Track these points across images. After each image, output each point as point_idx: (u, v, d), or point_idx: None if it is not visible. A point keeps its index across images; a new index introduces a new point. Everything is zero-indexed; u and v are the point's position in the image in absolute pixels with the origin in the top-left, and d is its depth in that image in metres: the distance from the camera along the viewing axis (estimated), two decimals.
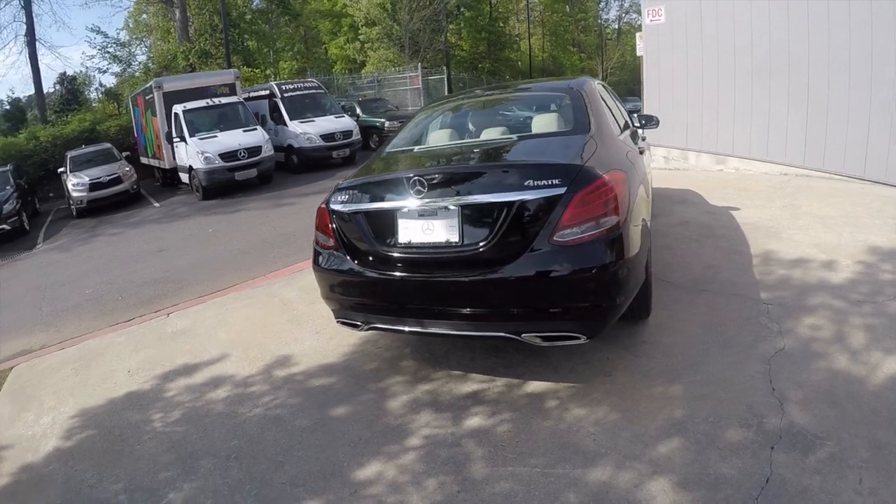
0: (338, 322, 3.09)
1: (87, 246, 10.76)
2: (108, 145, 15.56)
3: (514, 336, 2.53)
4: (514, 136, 3.17)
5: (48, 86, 26.56)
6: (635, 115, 5.02)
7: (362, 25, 22.25)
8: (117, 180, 13.83)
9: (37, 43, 22.73)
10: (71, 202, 13.62)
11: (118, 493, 2.62)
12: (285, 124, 14.31)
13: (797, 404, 2.34)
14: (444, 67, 21.52)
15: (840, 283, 3.44)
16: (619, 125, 3.53)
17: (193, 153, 12.41)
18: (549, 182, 2.43)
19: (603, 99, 3.54)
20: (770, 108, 6.33)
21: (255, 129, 13.12)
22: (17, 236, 12.41)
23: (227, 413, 3.13)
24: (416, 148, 3.41)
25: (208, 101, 13.28)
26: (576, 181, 2.43)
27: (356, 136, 14.29)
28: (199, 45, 21.24)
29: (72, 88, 27.66)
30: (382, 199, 2.74)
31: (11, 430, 3.52)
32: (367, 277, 2.73)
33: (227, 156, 12.08)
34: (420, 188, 2.60)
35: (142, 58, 22.66)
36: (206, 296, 5.55)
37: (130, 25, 25.27)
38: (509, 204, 2.44)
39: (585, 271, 2.37)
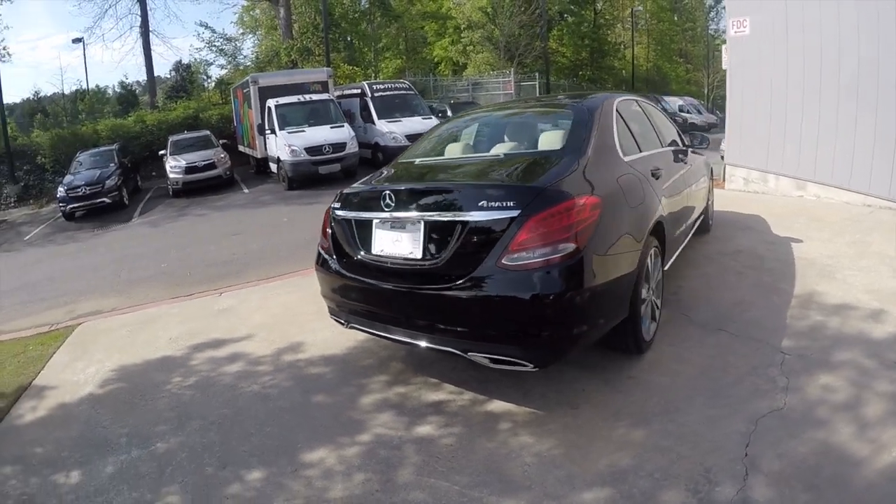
0: (331, 318, 3.43)
1: (173, 224, 12.11)
2: (207, 132, 17.30)
3: (461, 353, 2.65)
4: (502, 154, 3.28)
5: (165, 72, 29.77)
6: (694, 133, 5.02)
7: (465, 28, 23.05)
8: (211, 165, 15.34)
9: (150, 34, 25.93)
10: (168, 182, 15.29)
11: (121, 436, 3.10)
12: (373, 123, 15.20)
13: (766, 478, 2.12)
14: (538, 73, 21.66)
15: (881, 338, 3.14)
16: (638, 145, 3.54)
17: (282, 145, 13.53)
18: (504, 204, 2.50)
19: (623, 119, 3.51)
20: (856, 131, 5.84)
21: (342, 125, 14.07)
22: (117, 209, 14.18)
23: (229, 385, 3.55)
24: (419, 160, 3.63)
25: (300, 97, 14.45)
26: (532, 204, 2.47)
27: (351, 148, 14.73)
28: (302, 43, 23.06)
29: (186, 76, 30.91)
30: (365, 209, 3.01)
31: (61, 375, 4.20)
32: (348, 280, 3.03)
33: (312, 150, 13.06)
34: (389, 202, 2.83)
35: (247, 52, 25.02)
36: (260, 280, 6.17)
37: (245, 19, 27.97)
38: (463, 223, 2.57)
39: (533, 298, 2.39)
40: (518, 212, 2.46)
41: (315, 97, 14.70)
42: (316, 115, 14.39)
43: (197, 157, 15.36)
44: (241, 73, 24.63)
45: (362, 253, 3.01)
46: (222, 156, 15.93)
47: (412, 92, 16.67)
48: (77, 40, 27.17)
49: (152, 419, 3.26)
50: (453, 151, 3.66)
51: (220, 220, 11.53)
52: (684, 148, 4.67)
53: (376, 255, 2.91)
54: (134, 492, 2.59)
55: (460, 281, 2.52)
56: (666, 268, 3.60)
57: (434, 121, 15.31)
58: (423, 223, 2.71)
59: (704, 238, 5.33)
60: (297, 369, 3.64)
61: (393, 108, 15.58)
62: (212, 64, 26.83)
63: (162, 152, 16.20)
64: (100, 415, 3.45)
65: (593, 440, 2.48)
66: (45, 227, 14.01)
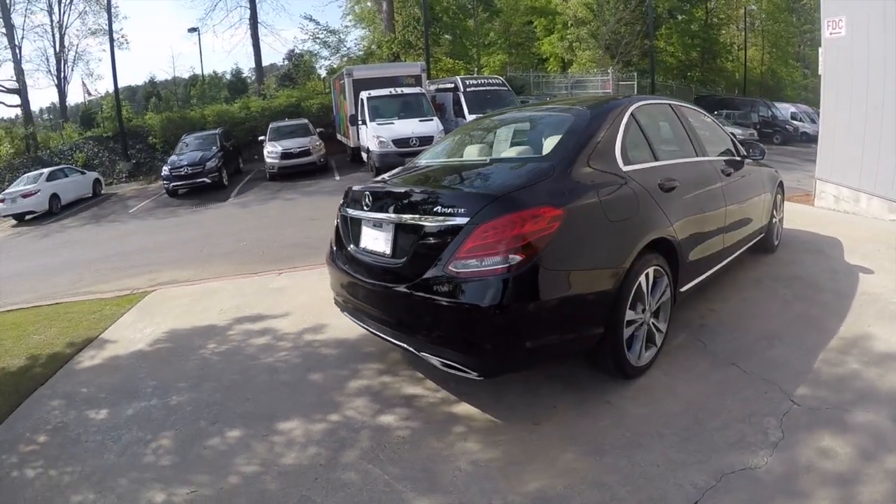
0: (335, 304, 3.78)
1: (263, 206, 13.27)
2: (305, 121, 18.66)
3: (414, 352, 2.82)
4: (487, 159, 3.37)
5: (279, 60, 32.25)
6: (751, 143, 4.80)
7: (570, 24, 22.90)
8: (306, 152, 16.56)
9: (258, 25, 28.34)
10: (265, 167, 16.68)
11: (149, 387, 3.66)
12: (464, 117, 15.65)
13: None
14: (636, 73, 20.98)
15: None
16: (654, 154, 3.44)
17: (371, 136, 14.37)
18: (455, 210, 2.61)
19: (639, 125, 3.43)
20: None
21: (431, 119, 14.67)
22: (216, 189, 15.73)
23: (250, 355, 4.03)
24: (424, 161, 3.86)
25: (391, 90, 15.22)
26: (481, 213, 2.53)
27: None
28: (403, 36, 24.07)
29: (299, 65, 33.23)
30: (357, 207, 3.27)
31: (123, 332, 4.93)
32: (343, 273, 3.33)
33: (399, 142, 13.77)
34: (367, 202, 3.10)
35: (350, 44, 26.53)
36: (319, 265, 6.71)
37: (357, 11, 29.63)
38: (419, 227, 2.75)
39: (477, 307, 2.44)
40: (467, 219, 2.54)
41: (406, 90, 15.41)
42: (406, 107, 15.08)
43: (293, 143, 16.63)
44: (346, 64, 26.14)
45: (352, 247, 3.33)
46: (317, 143, 17.13)
47: (505, 88, 16.94)
48: (192, 30, 30.22)
49: (178, 376, 3.80)
50: (455, 154, 3.84)
51: (305, 205, 12.47)
52: (738, 159, 4.49)
53: (362, 250, 3.20)
54: (139, 431, 3.09)
55: (414, 282, 2.68)
56: (683, 289, 3.46)
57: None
58: (392, 224, 2.93)
59: (764, 259, 5.09)
60: (311, 348, 4.03)
61: (484, 103, 15.92)
62: (315, 55, 28.57)
63: (262, 138, 17.71)
64: (140, 368, 4.06)
65: (536, 460, 2.48)
66: (150, 202, 15.89)
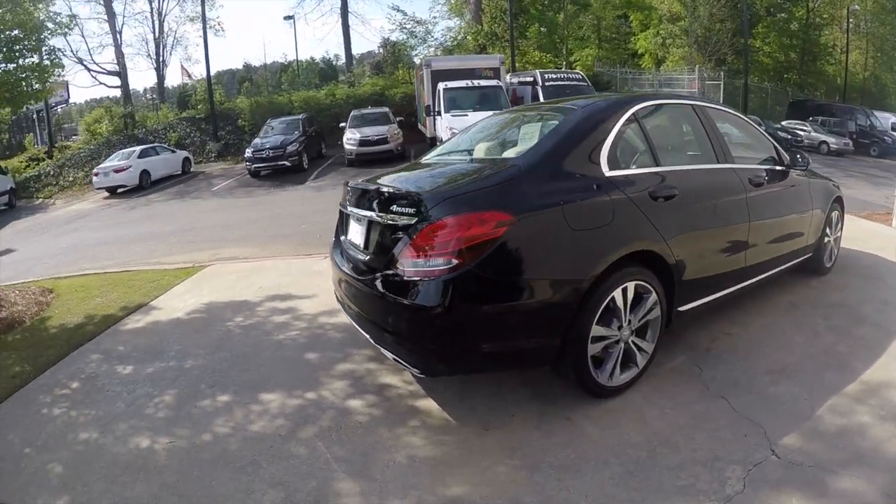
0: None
1: (334, 190, 14.00)
2: (386, 109, 19.37)
3: (371, 342, 3.03)
4: (468, 159, 3.47)
5: (372, 48, 33.46)
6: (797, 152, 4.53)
7: (665, 20, 22.15)
8: (384, 140, 17.24)
9: (349, 14, 29.71)
10: (344, 153, 17.52)
11: (173, 350, 4.18)
12: None
13: None
14: (724, 73, 19.88)
15: None
16: (655, 159, 3.32)
17: (444, 127, 14.73)
18: (408, 210, 2.73)
19: (641, 127, 3.34)
20: None
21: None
22: (296, 172, 16.74)
23: (266, 331, 4.45)
24: (424, 159, 4.00)
25: (468, 82, 15.46)
26: (430, 213, 2.61)
27: None
28: (490, 28, 24.25)
29: (393, 53, 34.28)
30: (346, 202, 3.47)
31: (170, 301, 5.56)
32: (334, 263, 3.59)
33: None
34: (349, 197, 3.32)
35: (437, 34, 27.07)
36: None
37: (452, 1, 30.10)
38: (382, 223, 2.91)
39: (416, 306, 2.56)
40: (416, 219, 2.66)
41: (483, 83, 15.59)
42: (483, 100, 15.27)
43: (372, 131, 17.36)
44: (435, 54, 26.74)
45: (343, 238, 3.61)
46: (396, 132, 17.77)
47: (584, 83, 16.75)
48: (288, 17, 32.10)
49: (200, 344, 4.28)
50: (457, 151, 3.96)
51: None
52: (779, 169, 4.26)
53: (348, 242, 3.46)
54: (150, 387, 3.58)
55: (372, 276, 2.89)
56: (683, 309, 3.34)
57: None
58: (366, 220, 3.13)
59: (810, 281, 4.81)
60: (321, 330, 4.39)
61: (561, 97, 15.83)
62: (405, 44, 29.39)
63: (342, 124, 18.56)
64: (171, 333, 4.60)
65: (468, 465, 2.55)
66: (232, 182, 17.17)
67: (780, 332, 3.87)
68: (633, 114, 3.34)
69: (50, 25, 5.69)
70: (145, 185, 17.32)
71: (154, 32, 29.14)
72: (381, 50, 35.63)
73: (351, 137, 17.36)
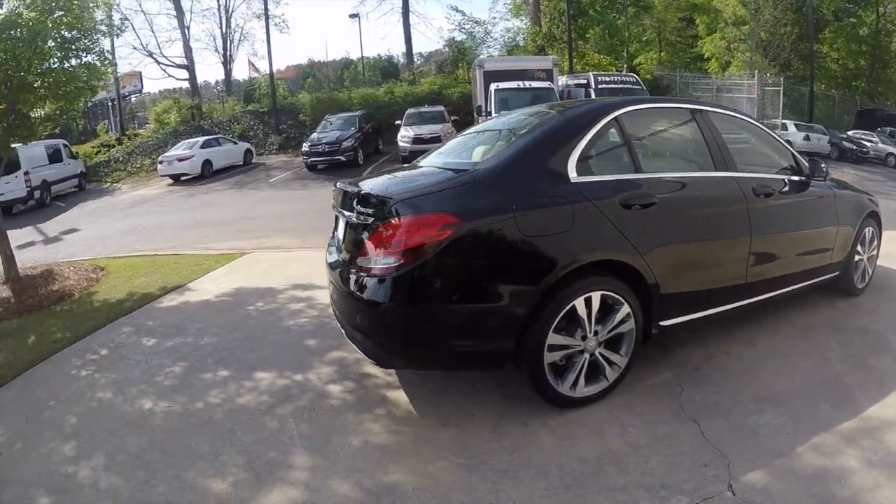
0: None
1: None
2: (441, 108, 19.75)
3: (343, 333, 3.25)
4: (440, 162, 3.58)
5: (433, 46, 34.11)
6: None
7: (730, 24, 21.49)
8: (437, 139, 17.59)
9: (409, 13, 30.60)
10: (399, 150, 18.03)
11: (194, 328, 4.64)
12: None
13: None
14: (783, 79, 19.05)
15: None
16: (637, 165, 3.27)
17: None
18: (367, 212, 2.94)
19: (623, 133, 3.32)
20: None
21: None
22: (351, 167, 17.36)
23: (280, 317, 4.84)
24: (420, 161, 3.99)
25: (520, 83, 15.60)
26: (380, 215, 2.82)
27: None
28: (549, 29, 24.24)
29: (459, 52, 34.69)
30: (335, 203, 3.56)
31: (205, 284, 6.08)
32: (325, 261, 3.78)
33: None
34: (336, 198, 3.47)
35: (496, 35, 27.29)
36: None
37: (517, 2, 30.25)
38: (353, 223, 3.14)
39: (366, 301, 2.78)
40: (372, 220, 2.87)
41: (535, 84, 15.70)
42: (534, 102, 15.34)
43: (425, 129, 17.78)
44: (496, 55, 26.93)
45: (334, 234, 3.85)
46: (450, 131, 18.11)
47: (638, 87, 16.58)
48: (353, 16, 33.25)
49: (219, 324, 4.72)
50: (446, 154, 3.98)
51: None
52: (798, 180, 4.06)
53: (336, 239, 3.71)
54: (166, 358, 4.03)
55: (342, 272, 3.13)
56: (665, 324, 3.29)
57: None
58: (345, 220, 3.33)
59: (836, 302, 4.55)
60: (328, 319, 4.70)
61: (569, 101, 15.78)
62: (470, 44, 29.71)
63: (398, 122, 19.06)
64: (197, 313, 5.08)
65: (414, 456, 2.69)
66: (289, 174, 17.97)
67: (786, 356, 3.66)
68: (615, 119, 3.31)
69: (103, 28, 6.30)
70: (207, 174, 18.40)
71: (221, 28, 30.79)
72: (448, 49, 36.14)
73: (405, 135, 17.84)
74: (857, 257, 4.60)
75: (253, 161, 21.35)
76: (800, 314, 4.30)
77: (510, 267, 2.76)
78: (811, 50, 21.57)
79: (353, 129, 18.51)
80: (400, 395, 3.28)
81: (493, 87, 15.73)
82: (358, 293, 2.84)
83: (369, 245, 2.85)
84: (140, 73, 31.03)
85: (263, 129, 24.38)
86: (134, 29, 27.81)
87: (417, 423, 3.01)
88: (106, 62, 6.58)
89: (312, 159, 17.69)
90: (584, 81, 17.08)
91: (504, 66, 17.38)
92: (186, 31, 29.08)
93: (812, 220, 4.13)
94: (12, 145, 6.55)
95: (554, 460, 2.64)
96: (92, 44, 6.09)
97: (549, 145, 3.10)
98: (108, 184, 20.76)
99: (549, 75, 16.68)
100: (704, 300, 3.49)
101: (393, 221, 2.72)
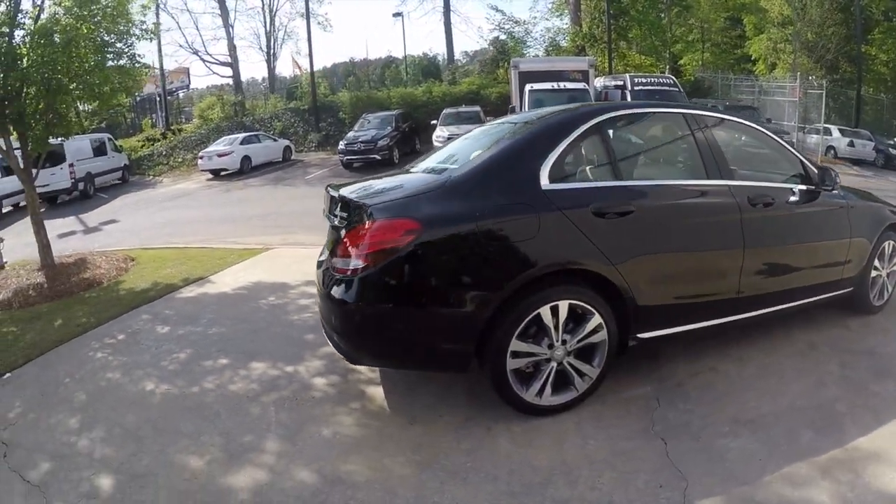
0: None
1: None
2: (477, 109, 19.93)
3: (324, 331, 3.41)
4: (428, 167, 3.66)
5: (475, 46, 34.42)
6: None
7: (776, 24, 20.91)
8: None
9: (451, 13, 31.27)
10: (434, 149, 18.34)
11: (205, 318, 4.98)
12: None
13: None
14: (824, 82, 18.34)
15: None
16: (616, 173, 3.27)
17: None
18: (343, 215, 3.13)
19: (604, 140, 3.33)
20: None
21: None
22: (386, 166, 17.71)
23: (287, 311, 5.13)
24: (411, 166, 4.08)
25: (554, 84, 15.66)
26: (352, 218, 3.00)
27: None
28: (589, 29, 24.14)
29: (503, 52, 34.86)
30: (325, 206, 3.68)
31: (225, 277, 6.45)
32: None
33: None
34: (325, 201, 3.61)
35: (536, 35, 27.35)
36: None
37: (559, 2, 30.19)
38: (333, 226, 3.34)
39: (336, 300, 2.94)
40: (346, 223, 3.06)
41: (570, 85, 15.73)
42: (569, 102, 15.42)
43: (460, 130, 17.88)
44: (537, 55, 26.97)
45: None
46: None
47: (675, 89, 16.39)
48: (396, 15, 33.93)
49: (229, 315, 5.05)
50: (444, 160, 3.93)
51: None
52: (805, 189, 3.90)
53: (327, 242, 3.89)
54: (174, 345, 4.37)
55: (324, 271, 3.27)
56: (644, 336, 3.26)
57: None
58: (329, 223, 3.52)
59: (848, 320, 4.34)
60: None
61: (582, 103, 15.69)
62: (513, 43, 29.82)
63: (434, 122, 19.33)
64: (212, 304, 5.42)
65: (374, 451, 2.85)
66: (326, 171, 18.48)
67: (777, 376, 3.53)
68: (596, 125, 3.31)
69: (137, 32, 6.76)
70: (246, 169, 19.07)
71: (265, 26, 31.83)
72: (493, 48, 36.32)
73: (440, 135, 18.06)
74: (874, 273, 4.38)
75: (292, 158, 21.99)
76: (803, 332, 4.14)
77: (470, 273, 2.86)
78: (859, 51, 20.79)
79: (389, 128, 18.88)
80: (377, 392, 3.46)
81: (527, 87, 15.83)
82: (331, 293, 3.00)
83: (341, 247, 3.02)
84: (188, 69, 32.42)
85: (304, 126, 25.07)
86: (179, 27, 29.07)
87: (387, 419, 3.18)
88: (139, 64, 7.04)
89: (348, 157, 18.13)
90: (621, 83, 16.99)
91: (539, 66, 17.48)
92: (231, 29, 30.21)
93: (821, 231, 3.99)
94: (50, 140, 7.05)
95: (507, 466, 2.70)
96: (127, 47, 6.55)
97: (523, 153, 3.15)
98: (151, 177, 21.76)
99: (584, 76, 16.68)
100: (689, 314, 3.44)
101: (361, 225, 2.87)
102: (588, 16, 25.24)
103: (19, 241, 9.52)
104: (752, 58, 23.06)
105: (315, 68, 25.89)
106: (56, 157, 15.15)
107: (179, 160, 22.95)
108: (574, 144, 3.22)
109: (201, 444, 2.94)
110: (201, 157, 19.35)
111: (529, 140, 3.26)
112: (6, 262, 7.73)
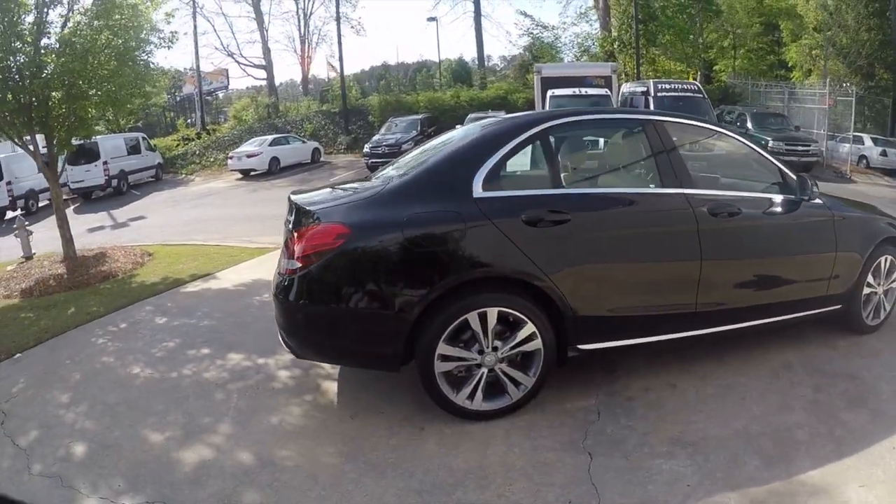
0: None
1: None
2: (502, 114, 20.17)
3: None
4: (384, 175, 3.72)
5: (506, 51, 34.85)
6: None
7: (812, 29, 20.50)
8: None
9: (482, 18, 31.72)
10: None
11: (200, 311, 5.45)
12: None
13: None
14: (855, 89, 17.81)
15: None
16: (556, 180, 3.33)
17: None
18: (292, 219, 3.33)
19: (549, 147, 3.40)
20: None
21: None
22: None
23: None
24: (374, 174, 4.11)
25: (576, 90, 15.84)
26: (298, 223, 3.21)
27: None
28: (619, 34, 24.17)
29: (537, 56, 35.06)
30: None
31: (229, 274, 6.96)
32: None
33: None
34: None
35: (565, 40, 27.42)
36: None
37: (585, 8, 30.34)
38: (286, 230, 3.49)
39: (279, 298, 3.20)
40: (293, 227, 3.26)
41: (591, 91, 15.92)
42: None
43: None
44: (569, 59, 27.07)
45: None
46: None
47: (699, 95, 16.31)
48: (431, 19, 34.75)
49: (223, 310, 5.50)
50: (392, 168, 3.98)
51: None
52: (769, 197, 3.78)
53: None
54: (166, 335, 4.85)
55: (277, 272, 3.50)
56: (586, 348, 3.28)
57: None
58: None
59: (837, 339, 4.15)
60: None
61: (675, 110, 15.61)
62: (529, 50, 30.03)
63: (458, 127, 19.69)
64: (210, 299, 5.90)
65: (309, 440, 3.11)
66: (351, 174, 19.04)
67: (740, 397, 3.40)
68: (540, 132, 3.37)
69: (154, 40, 7.36)
70: (274, 170, 19.81)
71: (300, 30, 32.81)
72: (527, 53, 36.56)
73: None
74: (867, 290, 4.13)
75: (320, 160, 22.71)
76: (782, 350, 3.98)
77: (395, 277, 3.03)
78: (895, 58, 20.23)
79: (414, 132, 19.40)
80: (332, 386, 3.74)
81: (549, 93, 16.06)
82: (275, 291, 3.28)
83: (287, 249, 3.26)
84: (227, 70, 33.63)
85: (334, 128, 25.80)
86: (215, 30, 30.08)
87: (331, 412, 3.45)
88: (155, 71, 7.64)
89: (373, 160, 18.64)
90: (644, 89, 17.03)
91: (561, 72, 17.75)
92: (265, 32, 31.21)
93: (800, 244, 3.85)
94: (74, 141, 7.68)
95: (426, 465, 2.83)
96: (147, 55, 7.15)
97: (459, 162, 3.27)
98: (183, 175, 22.84)
99: (607, 82, 16.83)
100: (637, 326, 3.42)
101: (302, 229, 3.11)
102: (617, 21, 25.29)
103: (53, 234, 10.24)
104: (789, 64, 22.65)
105: (350, 72, 26.78)
106: (91, 155, 16.24)
107: (212, 160, 23.97)
108: (513, 152, 3.27)
109: (166, 422, 3.36)
110: (231, 158, 20.24)
111: (468, 149, 3.36)
112: (34, 254, 8.42)
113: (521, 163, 3.46)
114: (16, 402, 3.76)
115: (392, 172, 3.63)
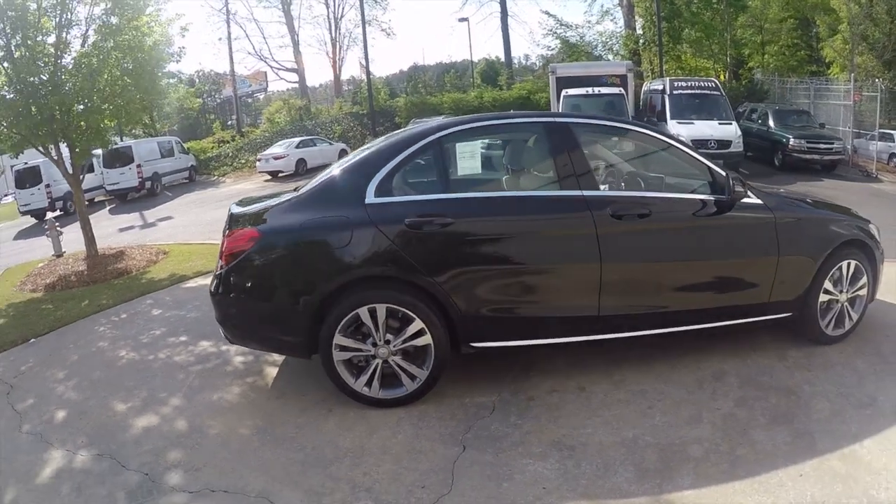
0: None
1: None
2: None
3: None
4: (307, 184, 3.98)
5: (541, 51, 35.01)
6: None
7: (845, 23, 19.96)
8: None
9: (508, 18, 32.24)
10: None
11: (191, 305, 6.22)
12: (665, 122, 15.77)
13: None
14: (881, 83, 17.25)
15: None
16: (445, 186, 3.65)
17: None
18: (226, 225, 3.82)
19: (440, 155, 3.64)
20: None
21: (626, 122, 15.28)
22: None
23: None
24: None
25: (589, 89, 16.09)
26: (227, 227, 3.75)
27: (736, 147, 14.73)
28: (644, 32, 24.15)
29: (570, 56, 35.18)
30: None
31: None
32: None
33: None
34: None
35: (589, 40, 27.45)
36: None
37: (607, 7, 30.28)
38: None
39: (210, 291, 3.74)
40: (225, 230, 3.78)
41: (605, 90, 16.14)
42: (605, 107, 15.79)
43: None
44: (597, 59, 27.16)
45: None
46: None
47: (717, 92, 16.28)
48: (462, 20, 35.15)
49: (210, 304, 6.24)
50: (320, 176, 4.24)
51: None
52: (690, 198, 3.73)
53: None
54: (155, 324, 5.65)
55: None
56: (477, 345, 3.52)
57: (731, 128, 14.93)
58: None
59: (789, 349, 4.00)
60: None
61: (690, 108, 15.72)
62: (553, 50, 30.25)
63: None
64: (205, 293, 6.60)
65: (237, 416, 3.62)
66: None
67: (647, 406, 3.37)
68: (434, 141, 3.60)
69: (163, 56, 8.32)
70: (301, 171, 20.78)
71: (331, 33, 33.87)
72: (557, 52, 36.70)
73: None
74: (825, 297, 3.92)
75: None
76: (721, 359, 3.88)
77: (293, 275, 3.49)
78: None
79: None
80: (272, 371, 4.24)
81: (563, 92, 16.35)
82: (210, 286, 3.81)
83: (220, 250, 3.75)
84: (265, 72, 35.00)
85: (362, 130, 26.67)
86: (247, 35, 31.39)
87: (263, 392, 3.94)
88: (168, 84, 8.56)
89: None
90: (661, 87, 17.12)
91: (576, 72, 17.94)
92: (296, 37, 32.41)
93: (727, 246, 3.73)
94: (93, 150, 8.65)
95: (317, 442, 3.24)
96: (157, 69, 8.06)
97: (357, 170, 3.64)
98: (216, 177, 24.13)
99: (623, 81, 16.99)
100: (532, 328, 3.58)
101: (227, 233, 3.68)
102: (642, 18, 25.24)
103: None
104: (826, 60, 22.13)
105: (382, 73, 27.64)
106: (126, 159, 17.65)
107: (243, 162, 25.21)
108: (407, 160, 3.57)
109: (132, 395, 4.10)
110: (259, 160, 21.33)
111: (367, 158, 3.70)
112: (64, 252, 9.45)
113: (417, 170, 3.80)
114: (22, 377, 4.61)
115: (314, 181, 3.90)
